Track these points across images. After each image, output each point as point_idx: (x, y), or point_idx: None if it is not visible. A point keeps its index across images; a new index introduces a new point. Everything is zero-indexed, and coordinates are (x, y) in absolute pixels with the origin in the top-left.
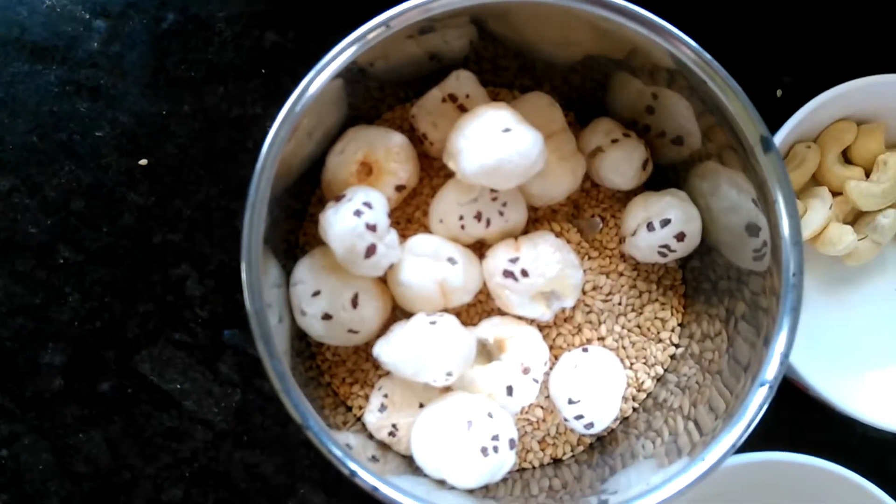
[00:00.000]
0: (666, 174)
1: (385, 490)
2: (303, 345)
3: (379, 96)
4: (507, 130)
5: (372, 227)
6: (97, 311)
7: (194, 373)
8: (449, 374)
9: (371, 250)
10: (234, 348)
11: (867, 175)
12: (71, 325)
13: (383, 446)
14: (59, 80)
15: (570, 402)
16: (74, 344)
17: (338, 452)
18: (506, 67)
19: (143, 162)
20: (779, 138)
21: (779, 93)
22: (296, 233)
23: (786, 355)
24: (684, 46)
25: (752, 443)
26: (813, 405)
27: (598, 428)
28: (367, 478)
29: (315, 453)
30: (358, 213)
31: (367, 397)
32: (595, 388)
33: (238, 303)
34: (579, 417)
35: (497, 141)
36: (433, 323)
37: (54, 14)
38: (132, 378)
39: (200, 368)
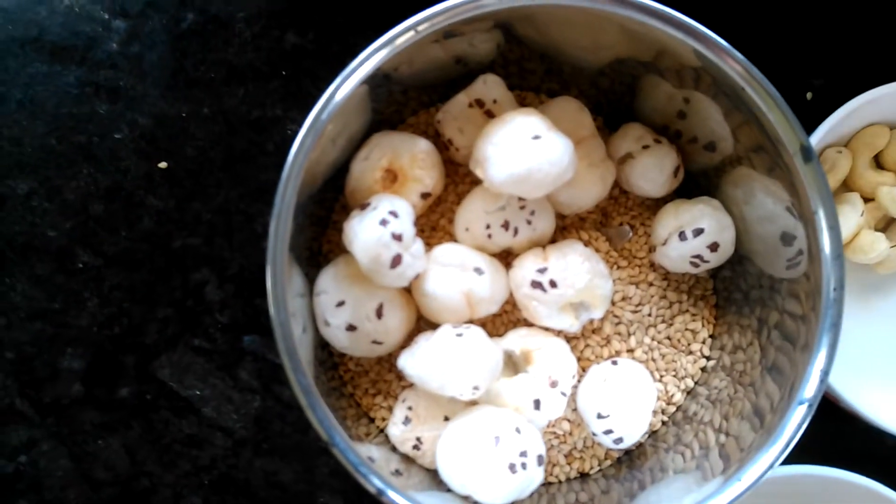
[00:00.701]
0: (697, 181)
1: None
2: (325, 354)
3: (403, 100)
4: (536, 137)
5: (398, 237)
6: (116, 316)
7: (214, 379)
8: (476, 387)
9: (397, 260)
10: (254, 354)
11: None
12: (90, 331)
13: (407, 459)
14: (78, 81)
15: (600, 416)
16: (93, 349)
17: (364, 470)
18: (532, 71)
19: (163, 165)
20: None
21: (809, 95)
22: (319, 240)
23: (826, 373)
24: (722, 52)
25: None
26: (843, 416)
27: (627, 443)
28: (394, 497)
29: (335, 462)
30: (384, 222)
31: (390, 409)
32: (625, 402)
33: (258, 308)
34: (608, 432)
35: (527, 148)
36: (459, 335)
37: (73, 14)
38: (151, 384)
39: (220, 374)
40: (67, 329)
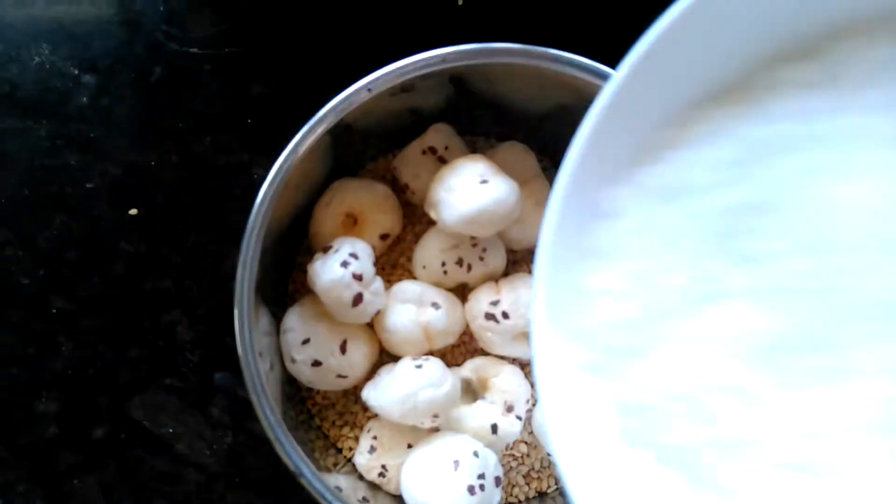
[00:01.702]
0: None
1: None
2: (293, 389)
3: (362, 148)
4: (484, 182)
5: (358, 277)
6: (90, 358)
7: (186, 416)
8: (435, 416)
9: (358, 299)
10: (225, 391)
11: None
12: (64, 374)
13: (374, 487)
14: (50, 134)
15: None
16: (68, 392)
17: (330, 498)
18: (482, 117)
19: (133, 211)
20: None
21: None
22: (285, 280)
23: None
24: None
25: None
26: None
27: None
28: None
29: (307, 493)
30: (345, 263)
31: (356, 439)
32: None
33: (228, 346)
34: None
35: (475, 192)
36: (419, 367)
37: (44, 70)
38: (125, 424)
39: (192, 412)
40: (42, 373)
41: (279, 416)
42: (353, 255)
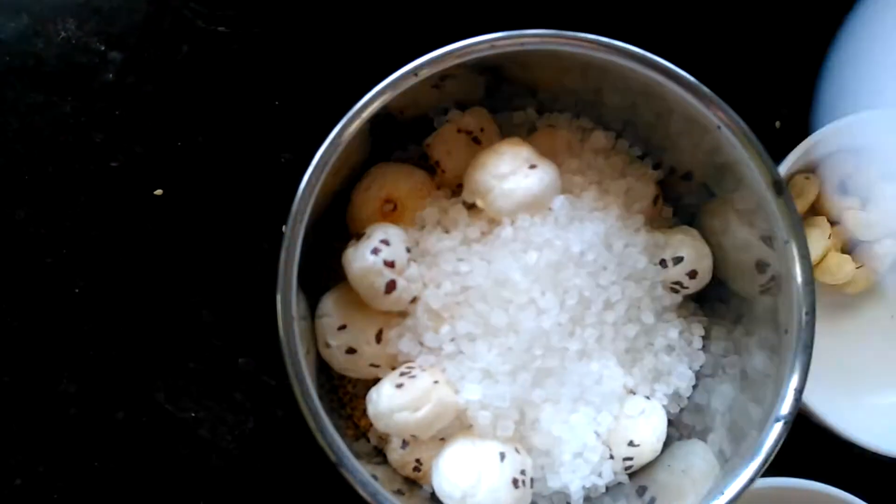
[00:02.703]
0: (678, 212)
1: None
2: (323, 377)
3: (399, 135)
4: (533, 167)
5: (390, 264)
6: (112, 340)
7: (208, 401)
8: (412, 436)
9: (391, 286)
10: (248, 376)
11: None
12: (86, 355)
13: (409, 480)
14: (75, 111)
15: (632, 444)
16: (89, 373)
17: (371, 489)
18: (521, 106)
19: (158, 192)
20: (780, 170)
21: (777, 124)
22: (321, 266)
23: (800, 391)
24: (701, 95)
25: None
26: (812, 430)
27: (632, 469)
28: None
29: (330, 479)
30: (375, 250)
31: None
32: (651, 436)
33: (252, 330)
34: (628, 459)
35: (527, 177)
36: (399, 386)
37: (69, 46)
38: (147, 407)
39: (214, 396)
40: (64, 353)
41: (318, 403)
42: (385, 242)
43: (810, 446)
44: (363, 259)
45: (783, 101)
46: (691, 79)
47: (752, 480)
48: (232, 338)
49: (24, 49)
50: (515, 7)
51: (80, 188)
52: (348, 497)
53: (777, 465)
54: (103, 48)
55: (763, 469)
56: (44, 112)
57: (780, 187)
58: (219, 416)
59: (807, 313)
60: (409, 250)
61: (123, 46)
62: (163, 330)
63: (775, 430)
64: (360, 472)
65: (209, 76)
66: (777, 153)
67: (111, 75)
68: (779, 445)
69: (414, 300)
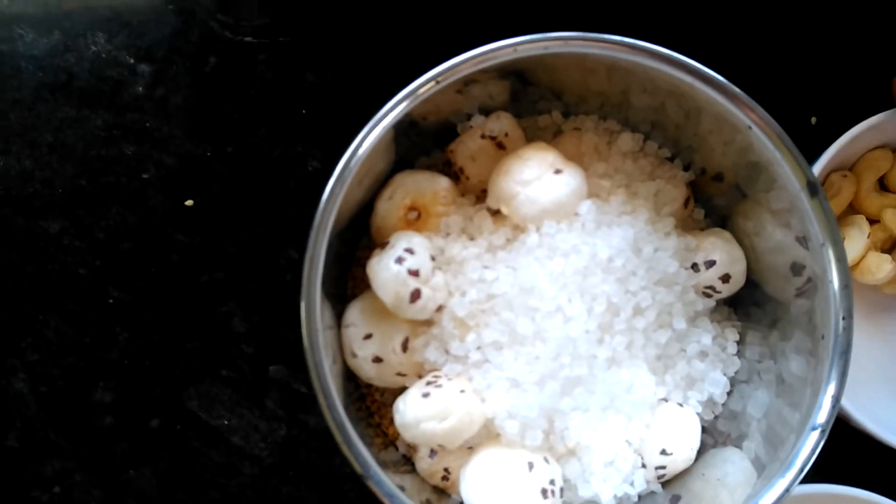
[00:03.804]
0: (709, 214)
1: None
2: (352, 386)
3: (422, 143)
4: (558, 172)
5: (414, 273)
6: (146, 349)
7: (241, 408)
8: (440, 446)
9: (416, 295)
10: (280, 383)
11: None
12: (120, 364)
13: (438, 490)
14: (106, 124)
15: (664, 452)
16: (124, 382)
17: (398, 502)
18: (545, 111)
19: (189, 203)
20: (816, 169)
21: (813, 120)
22: (345, 275)
23: (837, 399)
24: (731, 95)
25: None
26: (852, 434)
27: (665, 478)
28: None
29: (360, 487)
30: (399, 259)
31: None
32: (685, 443)
33: (283, 338)
34: (661, 468)
35: (552, 183)
36: (426, 395)
37: (100, 60)
38: (181, 414)
39: (247, 404)
40: (98, 363)
41: (344, 415)
42: (409, 251)
43: (849, 451)
44: (387, 269)
45: (820, 95)
46: (720, 78)
47: (787, 491)
48: (263, 346)
49: (57, 64)
50: (539, 10)
51: (113, 200)
52: None
53: (815, 470)
54: (133, 61)
55: (799, 479)
56: (76, 126)
57: (814, 188)
58: (251, 424)
59: (844, 318)
60: (433, 259)
61: (152, 59)
62: (195, 339)
63: (812, 439)
64: (386, 483)
65: (237, 87)
66: (813, 150)
67: (141, 88)
68: (815, 454)
69: (440, 309)
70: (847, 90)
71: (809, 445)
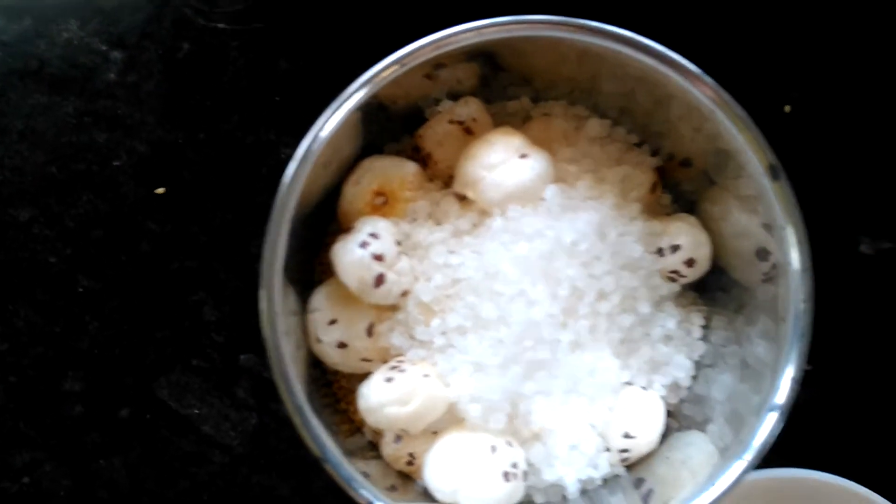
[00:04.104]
0: (677, 199)
1: None
2: (318, 372)
3: (392, 127)
4: (523, 156)
5: (379, 257)
6: (116, 338)
7: (211, 398)
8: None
9: (380, 279)
10: (250, 372)
11: None
12: (90, 353)
13: (403, 475)
14: (77, 111)
15: (627, 436)
16: (94, 371)
17: (355, 485)
18: (515, 97)
19: (160, 190)
20: None
21: (787, 108)
22: (312, 261)
23: (796, 380)
24: (692, 76)
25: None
26: (824, 419)
27: (629, 461)
28: None
29: (330, 476)
30: (363, 244)
31: None
32: (648, 426)
33: (254, 327)
34: (624, 451)
35: (517, 167)
36: (389, 380)
37: (72, 46)
38: (151, 404)
39: (217, 393)
40: (68, 352)
41: (303, 399)
42: (374, 235)
43: (824, 436)
44: (351, 253)
45: (793, 84)
46: (686, 62)
47: (746, 472)
48: (234, 334)
49: (27, 51)
50: None
51: (84, 188)
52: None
53: (790, 456)
54: (105, 48)
55: (757, 460)
56: (47, 113)
57: (775, 171)
58: (222, 413)
59: (804, 301)
60: (399, 243)
61: (125, 46)
62: (166, 327)
63: (769, 420)
64: (345, 468)
65: (210, 73)
66: (787, 138)
67: (113, 75)
68: (774, 436)
69: (405, 294)
70: (821, 79)
71: (767, 426)
